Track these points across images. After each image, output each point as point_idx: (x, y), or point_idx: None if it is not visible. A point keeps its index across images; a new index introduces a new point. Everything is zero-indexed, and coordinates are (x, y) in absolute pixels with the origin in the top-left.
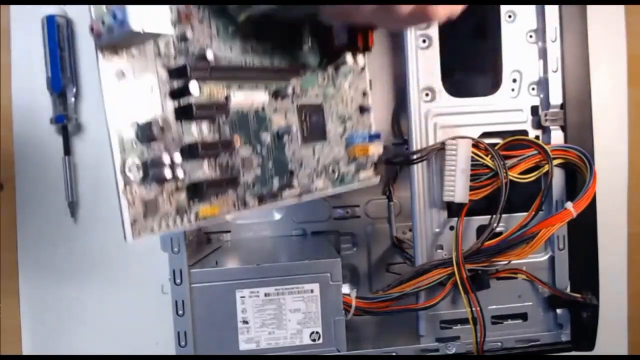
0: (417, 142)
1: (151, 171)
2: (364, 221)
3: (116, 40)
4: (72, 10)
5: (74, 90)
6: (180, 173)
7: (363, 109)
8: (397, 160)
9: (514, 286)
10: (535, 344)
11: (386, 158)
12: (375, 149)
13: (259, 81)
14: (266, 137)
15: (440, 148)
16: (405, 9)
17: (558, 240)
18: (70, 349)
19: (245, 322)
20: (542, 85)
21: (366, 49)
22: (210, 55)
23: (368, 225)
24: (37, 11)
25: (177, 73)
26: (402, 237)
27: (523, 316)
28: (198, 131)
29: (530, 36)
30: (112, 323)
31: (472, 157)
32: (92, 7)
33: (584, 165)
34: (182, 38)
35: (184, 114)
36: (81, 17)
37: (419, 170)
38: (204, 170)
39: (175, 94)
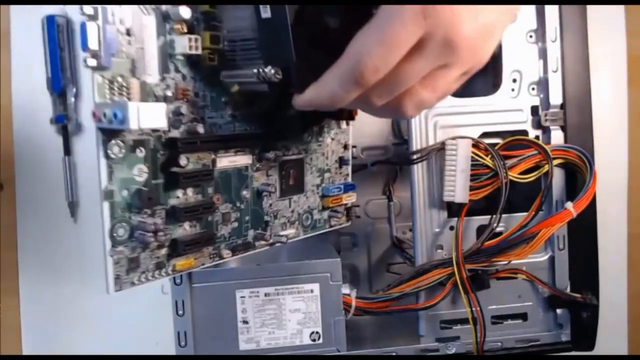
0: (417, 142)
1: (137, 234)
2: (364, 221)
3: (113, 128)
4: (72, 10)
5: (74, 90)
6: (162, 237)
7: (343, 161)
8: (397, 161)
9: (514, 286)
10: (535, 344)
11: (386, 158)
12: (349, 198)
13: (245, 147)
14: (246, 194)
15: (440, 148)
16: (378, 102)
17: (558, 240)
18: (70, 349)
19: (245, 322)
20: (542, 85)
21: (350, 118)
22: (200, 130)
23: (368, 225)
24: (37, 11)
25: (168, 146)
26: (402, 237)
27: (523, 316)
28: (183, 194)
29: (530, 36)
30: (112, 323)
31: (472, 157)
32: (97, 95)
33: (584, 165)
34: (177, 113)
35: (172, 182)
36: (81, 17)
37: (419, 170)
38: (185, 228)
39: (165, 165)
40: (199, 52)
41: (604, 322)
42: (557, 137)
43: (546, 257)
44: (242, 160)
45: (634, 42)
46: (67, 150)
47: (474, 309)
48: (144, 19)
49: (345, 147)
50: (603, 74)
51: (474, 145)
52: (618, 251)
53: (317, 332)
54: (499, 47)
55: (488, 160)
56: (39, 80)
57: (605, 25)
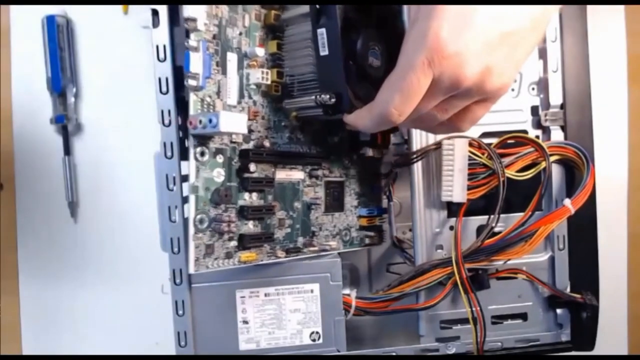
0: (417, 142)
1: (213, 224)
2: None
3: (205, 133)
4: (72, 10)
5: (74, 90)
6: (233, 228)
7: (375, 188)
8: (399, 162)
9: (514, 286)
10: (535, 344)
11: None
12: (381, 221)
13: (298, 164)
14: (298, 205)
15: (437, 147)
16: (439, 129)
17: (558, 240)
18: (70, 349)
19: (245, 322)
20: (542, 85)
21: (384, 146)
22: (267, 144)
23: None
24: (37, 11)
25: (241, 155)
26: (402, 237)
27: (523, 316)
28: (249, 197)
29: None
30: (112, 323)
31: (469, 156)
32: (192, 109)
33: (580, 162)
34: (249, 130)
35: (242, 185)
36: (81, 17)
37: (418, 170)
38: (249, 226)
39: (238, 170)
40: (268, 82)
41: (604, 322)
42: (557, 137)
43: (546, 257)
44: (296, 175)
45: (634, 42)
46: (67, 150)
47: (474, 309)
48: (229, 55)
49: (377, 175)
50: (603, 74)
51: (470, 144)
52: (618, 251)
53: (317, 332)
54: None
55: (485, 159)
56: (39, 80)
57: (605, 25)
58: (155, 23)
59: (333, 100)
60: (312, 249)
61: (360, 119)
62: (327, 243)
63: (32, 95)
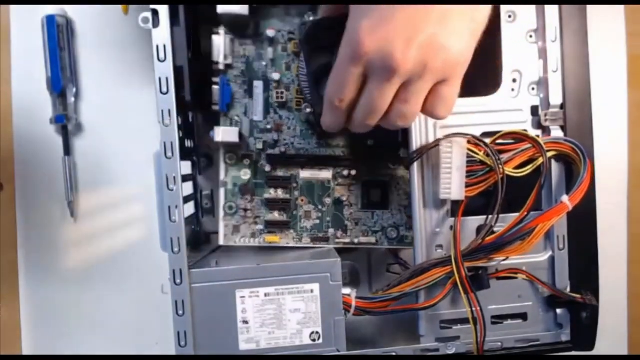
0: (417, 142)
1: (239, 211)
2: None
3: (213, 142)
4: (72, 10)
5: (74, 90)
6: (251, 215)
7: None
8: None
9: (514, 286)
10: (535, 344)
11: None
12: None
13: (327, 165)
14: (328, 201)
15: (435, 146)
16: (369, 121)
17: (558, 240)
18: (70, 349)
19: (245, 322)
20: (542, 85)
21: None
22: (290, 151)
23: None
24: (37, 11)
25: (266, 159)
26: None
27: (523, 316)
28: (274, 191)
29: (530, 36)
30: (112, 323)
31: (467, 153)
32: (222, 123)
33: (577, 157)
34: (274, 139)
35: (267, 182)
36: (81, 17)
37: (418, 170)
38: (275, 215)
39: (263, 171)
40: (284, 100)
41: (604, 322)
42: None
43: (546, 257)
44: (324, 175)
45: (634, 42)
46: (67, 150)
47: (474, 309)
48: (255, 83)
49: None
50: (603, 74)
51: (469, 142)
52: (618, 251)
53: (317, 332)
54: (499, 47)
55: (483, 156)
56: (39, 80)
57: (605, 25)
58: (155, 23)
59: (310, 110)
60: (343, 240)
61: (323, 119)
62: (364, 240)
63: (32, 95)
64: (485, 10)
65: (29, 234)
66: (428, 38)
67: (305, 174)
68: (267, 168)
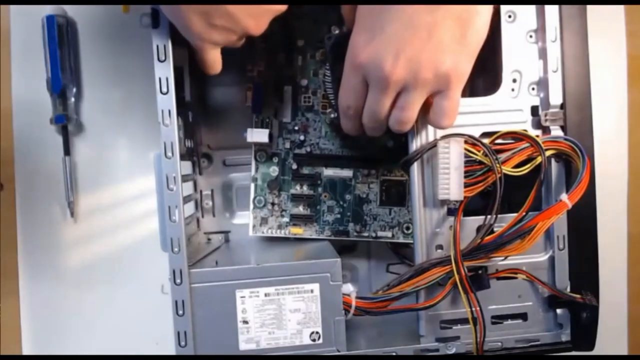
0: (417, 142)
1: (267, 204)
2: None
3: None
4: (72, 10)
5: (74, 90)
6: (278, 208)
7: None
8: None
9: (514, 286)
10: (535, 344)
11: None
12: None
13: (349, 164)
14: (349, 197)
15: (433, 147)
16: (373, 125)
17: (558, 240)
18: (70, 349)
19: (245, 322)
20: (542, 85)
21: None
22: (315, 150)
23: None
24: (37, 11)
25: (293, 158)
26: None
27: (523, 316)
28: (300, 187)
29: (530, 36)
30: (112, 323)
31: (465, 154)
32: (254, 124)
33: (576, 156)
34: (301, 139)
35: (293, 179)
36: (81, 17)
37: (418, 171)
38: (300, 209)
39: (290, 169)
40: (311, 103)
41: (604, 322)
42: None
43: (546, 257)
44: (345, 173)
45: (634, 42)
46: (67, 150)
47: (473, 309)
48: (285, 87)
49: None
50: (603, 74)
51: (466, 142)
52: (618, 251)
53: (317, 332)
54: (499, 47)
55: (481, 156)
56: (39, 80)
57: (605, 25)
58: (155, 23)
59: (334, 114)
60: (362, 234)
61: (341, 123)
62: (381, 234)
63: (32, 95)
64: (481, 27)
65: (29, 234)
66: (417, 52)
67: (328, 172)
68: (294, 166)
